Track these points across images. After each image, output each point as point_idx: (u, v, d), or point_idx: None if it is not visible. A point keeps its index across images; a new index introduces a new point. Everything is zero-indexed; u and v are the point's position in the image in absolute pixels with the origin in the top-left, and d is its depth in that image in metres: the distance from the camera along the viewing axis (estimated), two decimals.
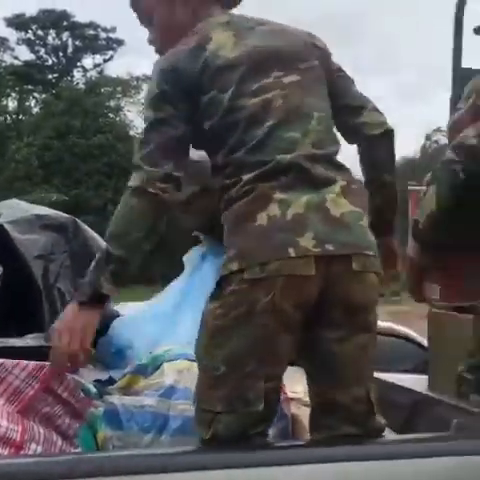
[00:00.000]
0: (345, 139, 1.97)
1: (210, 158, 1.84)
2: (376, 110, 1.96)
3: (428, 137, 31.70)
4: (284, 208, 1.65)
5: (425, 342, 4.15)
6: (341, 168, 1.79)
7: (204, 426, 1.67)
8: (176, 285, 2.57)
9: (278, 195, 1.66)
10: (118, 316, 2.49)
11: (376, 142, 1.94)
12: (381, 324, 4.95)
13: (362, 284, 1.70)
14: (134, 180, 1.75)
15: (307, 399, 1.90)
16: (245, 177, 1.69)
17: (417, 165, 24.09)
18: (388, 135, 1.96)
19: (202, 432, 1.68)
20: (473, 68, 3.39)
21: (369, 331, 1.74)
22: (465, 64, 3.49)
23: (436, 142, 27.43)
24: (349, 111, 1.91)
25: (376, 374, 1.88)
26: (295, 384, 2.18)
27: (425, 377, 3.15)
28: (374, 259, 1.73)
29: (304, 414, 2.03)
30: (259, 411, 1.65)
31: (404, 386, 2.27)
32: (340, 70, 1.95)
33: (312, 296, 1.66)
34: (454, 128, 3.27)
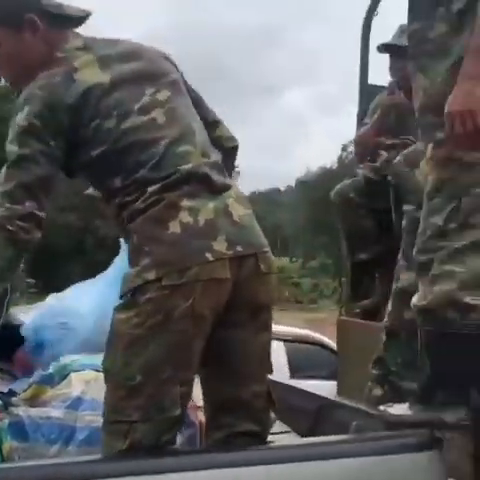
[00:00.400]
0: None
1: (100, 185, 1.82)
2: (223, 124, 2.04)
3: (344, 148, 32.46)
4: (194, 215, 1.70)
5: None
6: (227, 174, 1.86)
7: (119, 437, 1.66)
8: (116, 264, 2.49)
9: (186, 203, 1.71)
10: (20, 325, 2.46)
11: (230, 154, 2.02)
12: (298, 331, 5.06)
13: (266, 285, 1.79)
14: None
15: None
16: (150, 189, 1.72)
17: (334, 175, 24.61)
18: (237, 149, 2.06)
19: (117, 443, 1.67)
20: (378, 85, 3.52)
21: (270, 330, 1.83)
22: (372, 80, 3.61)
23: (352, 153, 28.11)
24: (206, 124, 1.96)
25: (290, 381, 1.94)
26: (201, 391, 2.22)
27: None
28: (273, 261, 1.83)
29: None
30: (175, 416, 1.68)
31: (310, 391, 2.34)
32: (188, 83, 1.97)
33: (225, 299, 1.72)
34: (360, 142, 3.42)
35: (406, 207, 2.56)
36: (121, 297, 1.71)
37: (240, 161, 2.00)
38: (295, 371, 4.39)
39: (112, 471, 1.52)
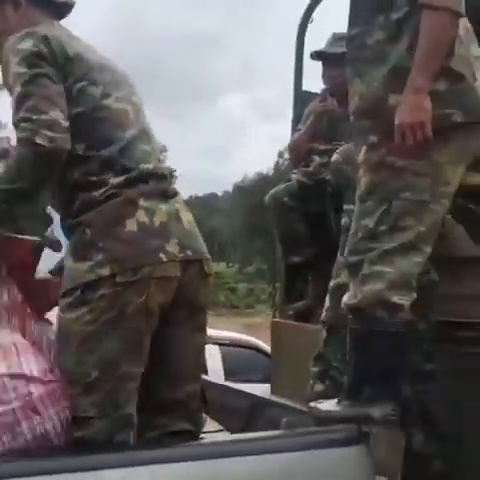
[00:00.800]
0: None
1: None
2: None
3: (281, 154, 32.71)
4: (150, 215, 1.75)
5: None
6: (174, 182, 1.92)
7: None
8: None
9: (143, 203, 1.75)
10: None
11: None
12: (233, 335, 5.07)
13: (206, 286, 1.86)
14: (23, 131, 1.70)
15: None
16: (113, 181, 1.75)
17: (268, 181, 24.81)
18: None
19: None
20: (312, 91, 3.58)
21: (205, 331, 1.88)
22: (308, 87, 3.67)
23: (288, 159, 28.39)
24: None
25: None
26: None
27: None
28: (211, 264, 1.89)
29: None
30: (129, 414, 1.71)
31: (243, 390, 2.37)
32: None
33: (171, 297, 1.76)
34: (294, 147, 3.48)
35: (346, 206, 2.60)
36: (65, 294, 1.71)
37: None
38: (230, 375, 4.40)
39: (35, 469, 1.52)
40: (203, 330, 1.87)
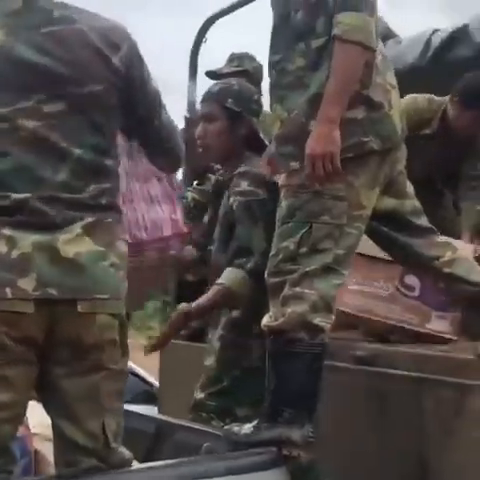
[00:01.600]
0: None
1: None
2: (175, 146, 1.87)
3: None
4: (11, 246, 1.61)
5: (143, 373, 4.24)
6: (93, 207, 1.69)
7: None
8: None
9: (6, 232, 1.61)
10: None
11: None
12: None
13: (89, 325, 1.67)
14: None
15: (49, 433, 1.84)
16: None
17: None
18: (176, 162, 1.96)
19: None
20: None
21: (102, 369, 1.70)
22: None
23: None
24: (149, 145, 1.88)
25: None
26: (37, 419, 2.10)
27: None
28: (107, 301, 1.67)
29: (48, 449, 1.96)
30: None
31: (148, 415, 2.29)
32: (145, 93, 1.77)
33: (34, 333, 1.64)
34: (189, 165, 3.46)
35: None
36: None
37: None
38: None
39: None
40: (99, 368, 1.69)
